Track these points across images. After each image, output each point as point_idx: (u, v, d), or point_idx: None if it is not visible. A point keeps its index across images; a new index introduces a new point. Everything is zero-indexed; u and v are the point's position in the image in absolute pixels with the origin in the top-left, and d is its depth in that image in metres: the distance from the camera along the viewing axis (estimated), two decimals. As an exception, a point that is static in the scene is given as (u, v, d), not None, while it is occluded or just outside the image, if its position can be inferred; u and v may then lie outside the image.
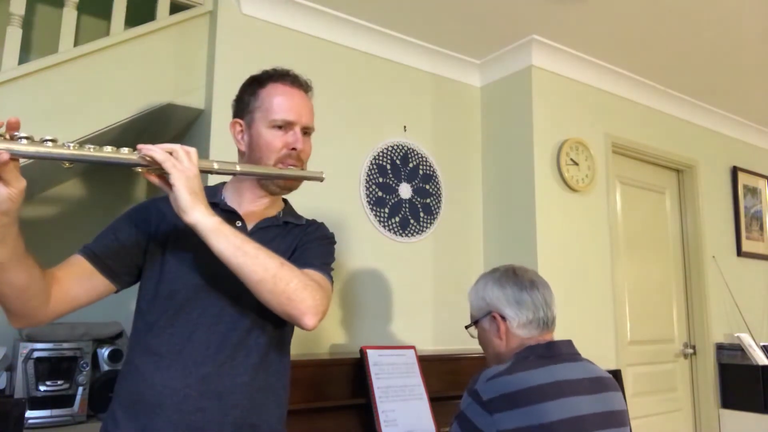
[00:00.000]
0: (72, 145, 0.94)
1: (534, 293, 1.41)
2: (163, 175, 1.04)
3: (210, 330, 1.16)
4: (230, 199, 1.28)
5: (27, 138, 0.90)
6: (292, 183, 1.29)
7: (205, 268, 1.17)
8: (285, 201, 1.38)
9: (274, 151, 1.23)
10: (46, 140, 0.91)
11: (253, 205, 1.29)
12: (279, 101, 1.25)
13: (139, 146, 1.02)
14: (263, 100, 1.26)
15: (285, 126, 1.24)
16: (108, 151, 0.97)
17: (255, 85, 1.29)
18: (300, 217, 1.36)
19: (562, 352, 1.35)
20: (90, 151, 0.95)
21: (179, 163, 1.04)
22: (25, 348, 1.93)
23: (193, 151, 1.07)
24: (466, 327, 1.53)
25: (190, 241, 1.13)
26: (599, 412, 1.26)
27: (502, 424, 1.17)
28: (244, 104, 1.29)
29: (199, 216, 1.04)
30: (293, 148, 1.24)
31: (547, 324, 1.41)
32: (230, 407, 1.14)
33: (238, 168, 1.15)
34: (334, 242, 1.36)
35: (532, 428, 1.16)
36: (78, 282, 1.13)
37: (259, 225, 1.26)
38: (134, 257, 1.20)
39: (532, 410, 1.18)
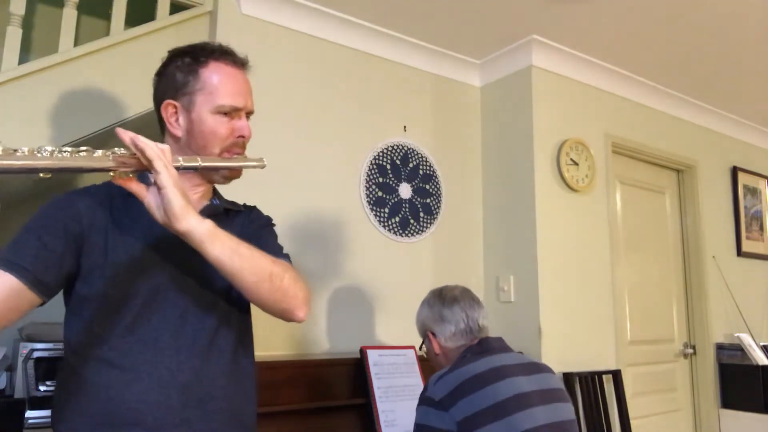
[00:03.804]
0: (49, 150, 0.83)
1: (454, 308, 1.56)
2: (135, 177, 0.94)
3: (176, 334, 1.06)
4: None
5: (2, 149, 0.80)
6: (236, 172, 1.17)
7: (160, 267, 1.07)
8: (213, 187, 1.26)
9: (220, 140, 1.12)
10: (18, 150, 0.81)
11: (190, 193, 1.14)
12: (225, 84, 1.13)
13: (117, 143, 0.92)
14: (205, 81, 1.12)
15: (231, 112, 1.13)
16: (83, 156, 0.86)
17: (191, 62, 1.14)
18: (235, 203, 1.26)
19: (494, 346, 1.48)
20: (67, 157, 0.85)
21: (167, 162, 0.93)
22: (25, 348, 1.93)
23: (167, 148, 0.95)
24: (419, 348, 1.69)
25: (136, 238, 1.06)
26: (539, 389, 1.38)
27: (459, 414, 1.27)
28: (178, 84, 1.13)
29: (194, 222, 0.94)
30: (240, 136, 1.15)
31: (473, 332, 1.54)
32: (213, 413, 1.07)
33: (199, 161, 1.04)
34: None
35: (485, 411, 1.27)
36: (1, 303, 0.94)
37: (202, 213, 1.12)
38: (65, 264, 1.02)
39: (481, 394, 1.30)
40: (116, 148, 0.92)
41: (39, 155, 0.82)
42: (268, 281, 1.03)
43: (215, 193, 1.24)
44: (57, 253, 1.00)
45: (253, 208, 1.30)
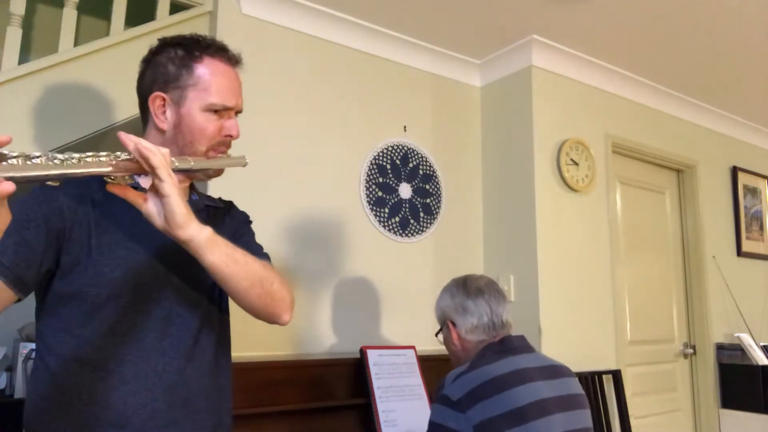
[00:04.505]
0: (59, 158, 0.81)
1: (478, 301, 1.49)
2: (133, 184, 0.91)
3: (162, 334, 1.04)
4: (146, 182, 1.06)
5: (17, 157, 0.76)
6: (220, 171, 1.15)
7: (145, 266, 1.05)
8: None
9: (208, 138, 1.10)
10: (34, 156, 0.78)
11: None
12: (219, 83, 1.11)
13: (113, 141, 0.90)
14: (200, 77, 1.09)
15: (221, 110, 1.11)
16: (89, 161, 0.83)
17: (185, 56, 1.11)
18: (212, 198, 1.24)
19: (516, 345, 1.43)
20: (74, 163, 0.82)
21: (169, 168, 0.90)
22: (25, 348, 1.93)
23: (167, 152, 0.91)
24: (435, 334, 1.63)
25: (120, 236, 1.03)
26: (559, 395, 1.34)
27: (475, 417, 1.24)
28: (170, 76, 1.10)
29: (195, 231, 0.93)
30: (228, 135, 1.13)
31: (495, 328, 1.48)
32: (197, 413, 1.07)
33: (192, 163, 1.02)
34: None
35: (502, 416, 1.23)
36: None
37: None
38: (46, 261, 0.98)
39: (500, 398, 1.26)
40: (118, 152, 0.89)
41: (51, 164, 0.80)
42: (259, 286, 1.03)
43: (192, 187, 1.22)
44: (38, 249, 0.97)
45: (231, 204, 1.28)
